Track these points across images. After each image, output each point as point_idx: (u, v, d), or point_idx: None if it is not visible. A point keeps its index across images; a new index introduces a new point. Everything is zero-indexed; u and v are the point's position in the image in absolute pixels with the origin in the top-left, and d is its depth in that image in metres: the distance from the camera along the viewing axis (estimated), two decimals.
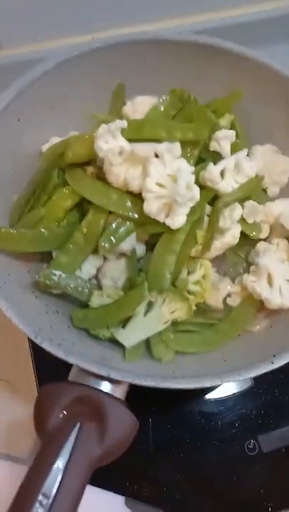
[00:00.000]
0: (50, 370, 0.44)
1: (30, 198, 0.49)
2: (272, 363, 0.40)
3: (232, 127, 0.50)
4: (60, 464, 0.36)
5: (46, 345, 0.40)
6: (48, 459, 0.36)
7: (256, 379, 0.58)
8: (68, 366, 0.42)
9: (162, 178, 0.44)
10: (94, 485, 0.50)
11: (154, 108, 0.49)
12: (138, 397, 0.41)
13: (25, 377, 0.57)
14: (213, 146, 0.48)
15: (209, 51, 0.51)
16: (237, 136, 0.49)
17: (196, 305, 0.48)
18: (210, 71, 0.53)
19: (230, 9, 0.67)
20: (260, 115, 0.54)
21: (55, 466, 0.35)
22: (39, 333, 0.41)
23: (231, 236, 0.47)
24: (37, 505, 0.34)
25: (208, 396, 0.57)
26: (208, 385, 0.39)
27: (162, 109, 0.49)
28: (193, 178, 0.44)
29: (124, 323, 0.46)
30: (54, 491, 0.34)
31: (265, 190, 0.52)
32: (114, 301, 0.45)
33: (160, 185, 0.44)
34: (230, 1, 0.67)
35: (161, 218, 0.45)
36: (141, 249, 0.49)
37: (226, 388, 0.57)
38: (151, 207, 0.44)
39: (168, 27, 0.66)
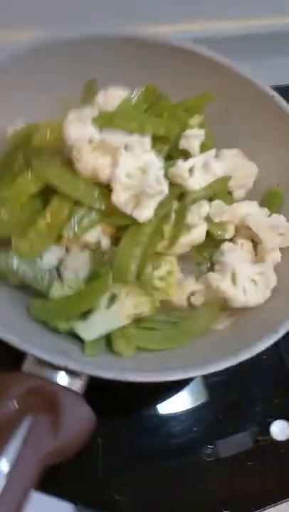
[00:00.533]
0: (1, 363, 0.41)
1: None
2: (237, 356, 0.39)
3: (201, 128, 0.50)
4: (7, 457, 0.33)
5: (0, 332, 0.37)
6: None
7: (212, 387, 0.57)
8: (19, 361, 0.39)
9: (132, 170, 0.43)
10: (41, 491, 0.46)
11: (126, 100, 0.48)
12: (92, 396, 0.39)
13: None
14: (183, 144, 0.48)
15: (183, 55, 0.52)
16: (206, 136, 0.49)
17: (159, 302, 0.47)
18: (182, 74, 0.53)
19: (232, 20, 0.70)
20: (229, 121, 0.55)
21: (2, 459, 0.32)
22: None
23: (197, 233, 0.47)
24: None
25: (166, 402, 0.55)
26: (171, 378, 0.38)
27: (134, 102, 0.48)
28: (162, 172, 0.44)
29: (85, 316, 0.44)
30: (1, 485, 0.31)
31: (230, 193, 0.53)
32: (76, 292, 0.44)
33: (129, 176, 0.43)
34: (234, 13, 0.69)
35: (128, 210, 0.44)
36: (106, 243, 0.47)
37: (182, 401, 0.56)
38: (120, 198, 0.43)
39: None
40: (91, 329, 0.43)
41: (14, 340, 0.37)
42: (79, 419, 0.36)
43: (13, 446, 0.34)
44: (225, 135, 0.54)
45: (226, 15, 0.71)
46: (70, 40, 0.50)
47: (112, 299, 0.44)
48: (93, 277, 0.45)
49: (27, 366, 0.39)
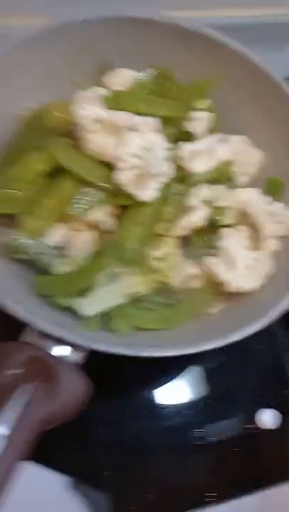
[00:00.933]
0: None
1: (4, 160, 0.48)
2: (226, 337, 0.40)
3: (210, 111, 0.51)
4: (5, 420, 0.34)
5: (4, 301, 0.39)
6: None
7: (205, 374, 0.58)
8: (18, 333, 0.41)
9: (137, 149, 0.44)
10: (38, 463, 0.48)
11: (136, 81, 0.49)
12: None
13: None
14: (189, 126, 0.49)
15: (191, 37, 0.51)
16: (213, 120, 0.50)
17: (158, 284, 0.48)
18: (193, 60, 0.53)
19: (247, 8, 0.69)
20: (240, 110, 0.55)
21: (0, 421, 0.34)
22: None
23: (197, 216, 0.48)
24: None
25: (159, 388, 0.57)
26: (165, 354, 0.39)
27: (144, 83, 0.49)
28: (167, 153, 0.45)
29: (84, 293, 0.45)
30: None
31: (233, 179, 0.53)
32: (76, 269, 0.45)
33: (134, 155, 0.44)
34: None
35: (131, 189, 0.45)
36: (111, 223, 0.48)
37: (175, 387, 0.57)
38: (123, 176, 0.44)
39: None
40: (89, 305, 0.44)
41: (16, 309, 0.39)
42: (75, 387, 0.38)
43: (11, 410, 0.35)
44: (235, 123, 0.54)
45: (241, 2, 0.71)
46: (83, 22, 0.51)
47: (111, 277, 0.45)
48: (96, 256, 0.46)
49: (26, 336, 0.40)
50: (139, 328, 0.46)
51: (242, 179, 0.54)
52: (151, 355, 0.39)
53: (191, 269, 0.50)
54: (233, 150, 0.52)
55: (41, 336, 0.40)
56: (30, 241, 0.45)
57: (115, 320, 0.45)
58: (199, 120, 0.49)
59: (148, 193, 0.44)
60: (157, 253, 0.47)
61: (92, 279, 0.44)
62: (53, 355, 0.39)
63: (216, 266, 0.47)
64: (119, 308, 0.46)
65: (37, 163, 0.46)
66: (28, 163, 0.46)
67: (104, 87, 0.49)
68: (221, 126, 0.52)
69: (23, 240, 0.45)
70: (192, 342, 0.41)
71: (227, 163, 0.49)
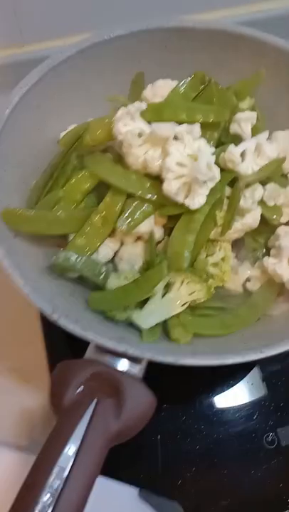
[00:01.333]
0: (62, 359, 0.43)
1: (48, 181, 0.49)
2: None
3: (253, 110, 0.50)
4: (76, 437, 0.35)
5: (63, 321, 0.39)
6: (64, 432, 0.35)
7: (269, 377, 0.56)
8: (81, 355, 0.41)
9: (182, 158, 0.43)
10: (107, 476, 0.49)
11: (174, 90, 0.49)
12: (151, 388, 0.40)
13: (37, 366, 0.56)
14: (234, 128, 0.48)
15: (227, 38, 0.51)
16: (257, 119, 0.48)
17: (215, 289, 0.47)
18: (230, 58, 0.52)
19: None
20: (282, 102, 0.53)
21: (71, 439, 0.34)
22: (56, 310, 0.40)
23: (252, 218, 0.47)
24: (51, 478, 0.33)
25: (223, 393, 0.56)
26: (229, 361, 0.38)
27: (182, 91, 0.48)
28: (213, 158, 0.44)
29: (141, 305, 0.45)
30: (69, 464, 0.33)
31: (286, 176, 0.52)
32: (133, 281, 0.45)
33: (180, 164, 0.43)
34: None
35: (180, 199, 0.44)
36: (159, 233, 0.48)
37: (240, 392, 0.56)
38: (171, 187, 0.44)
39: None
40: (148, 318, 0.44)
41: (77, 328, 0.39)
42: (140, 401, 0.38)
43: (81, 428, 0.35)
44: (278, 116, 0.53)
45: None
46: (117, 38, 0.51)
47: (167, 287, 0.45)
48: (148, 267, 0.46)
49: (89, 353, 0.41)
50: (196, 335, 0.45)
51: None
52: (217, 363, 0.38)
53: (248, 271, 0.48)
54: (281, 146, 0.50)
55: (104, 351, 0.40)
56: (82, 259, 0.46)
57: (174, 329, 0.45)
58: (245, 121, 0.47)
59: (198, 200, 0.43)
60: (212, 259, 0.47)
61: (150, 291, 0.43)
62: (116, 370, 0.40)
63: (276, 266, 0.45)
64: (177, 316, 0.45)
65: (83, 183, 0.47)
66: (74, 184, 0.47)
67: (143, 100, 0.49)
68: (265, 124, 0.51)
69: (74, 258, 0.45)
70: (257, 348, 0.39)
71: (278, 161, 0.48)
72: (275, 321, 0.46)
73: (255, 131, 0.48)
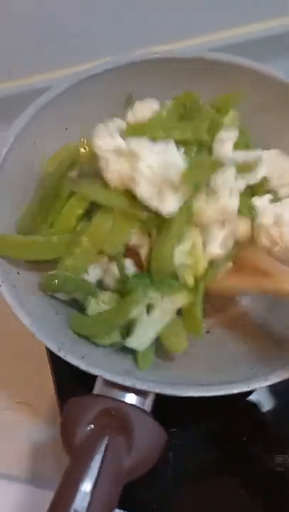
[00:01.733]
0: (71, 392, 0.44)
1: (41, 207, 0.49)
2: None
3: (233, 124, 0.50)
4: (90, 476, 0.35)
5: (70, 358, 0.40)
6: (78, 472, 0.35)
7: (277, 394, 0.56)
8: (90, 386, 0.42)
9: (154, 163, 0.44)
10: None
11: (156, 111, 0.49)
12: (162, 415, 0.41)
13: (46, 399, 0.57)
14: (217, 149, 0.48)
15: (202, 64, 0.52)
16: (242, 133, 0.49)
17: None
18: (209, 83, 0.53)
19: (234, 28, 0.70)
20: (263, 123, 0.54)
21: (86, 479, 0.35)
22: (62, 347, 0.41)
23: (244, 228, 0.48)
24: None
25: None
26: (235, 391, 0.39)
27: (164, 114, 0.49)
28: (185, 162, 0.44)
29: (130, 328, 0.45)
30: (85, 505, 0.34)
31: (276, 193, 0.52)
32: (110, 309, 0.46)
33: (150, 167, 0.44)
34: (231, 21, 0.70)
35: (154, 203, 0.44)
36: (145, 247, 0.47)
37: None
38: (144, 189, 0.44)
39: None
40: (140, 338, 0.45)
41: (83, 364, 0.40)
42: (150, 436, 0.38)
43: (94, 466, 0.36)
44: (262, 137, 0.54)
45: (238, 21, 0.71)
46: (115, 67, 0.52)
47: (150, 306, 0.45)
48: (123, 289, 0.47)
49: (98, 388, 0.41)
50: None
51: (283, 191, 0.53)
52: (227, 392, 0.39)
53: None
54: (269, 164, 0.51)
55: (112, 385, 0.40)
56: (69, 278, 0.46)
57: (168, 341, 0.46)
58: (227, 140, 0.48)
59: (169, 204, 0.44)
60: (183, 248, 0.46)
61: (128, 315, 0.44)
62: (125, 403, 0.40)
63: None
64: (168, 328, 0.46)
65: (77, 209, 0.48)
66: (66, 211, 0.48)
67: (126, 119, 0.50)
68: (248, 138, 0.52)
69: (62, 277, 0.46)
70: (267, 374, 0.40)
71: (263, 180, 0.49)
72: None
73: (237, 146, 0.49)
